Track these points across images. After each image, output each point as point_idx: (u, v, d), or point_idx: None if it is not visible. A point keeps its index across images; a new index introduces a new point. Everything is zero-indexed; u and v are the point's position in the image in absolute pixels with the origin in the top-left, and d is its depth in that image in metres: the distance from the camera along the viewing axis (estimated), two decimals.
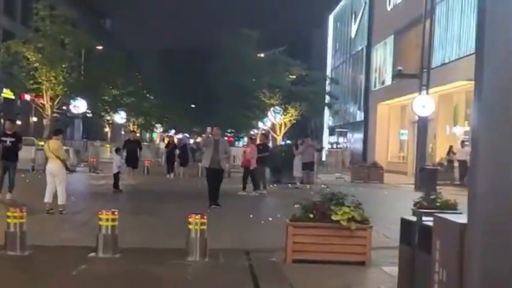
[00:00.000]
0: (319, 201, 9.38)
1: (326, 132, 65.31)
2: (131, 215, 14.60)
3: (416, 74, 28.50)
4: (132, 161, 23.17)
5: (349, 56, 57.40)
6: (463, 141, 30.22)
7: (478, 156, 4.50)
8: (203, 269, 9.05)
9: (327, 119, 64.57)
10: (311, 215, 9.24)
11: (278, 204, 19.62)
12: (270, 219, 14.40)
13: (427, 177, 26.22)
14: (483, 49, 3.95)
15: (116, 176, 20.41)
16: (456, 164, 29.95)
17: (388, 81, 43.98)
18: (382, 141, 44.96)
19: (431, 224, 6.28)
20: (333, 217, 9.12)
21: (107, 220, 9.48)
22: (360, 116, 51.51)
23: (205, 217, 9.42)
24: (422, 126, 28.45)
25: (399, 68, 29.77)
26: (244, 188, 21.69)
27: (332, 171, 33.41)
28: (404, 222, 7.12)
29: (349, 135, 55.44)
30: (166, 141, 36.68)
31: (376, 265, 9.35)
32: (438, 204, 9.26)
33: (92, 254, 9.50)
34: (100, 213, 9.64)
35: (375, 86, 47.91)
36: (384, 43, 45.59)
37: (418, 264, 6.54)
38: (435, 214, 6.06)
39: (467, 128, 33.87)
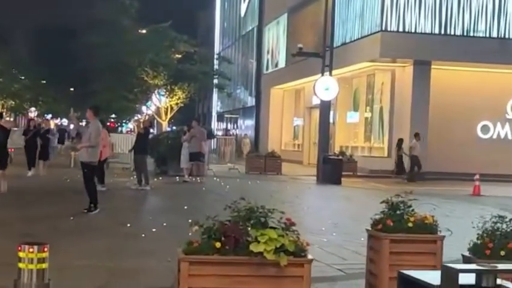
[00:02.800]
0: (230, 221, 5.95)
1: (214, 118, 61.98)
2: None
3: (318, 52, 25.62)
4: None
5: (239, 36, 54.17)
6: (417, 134, 26.02)
7: None
8: None
9: (216, 104, 61.27)
10: (218, 244, 5.79)
11: (164, 204, 16.15)
12: (154, 230, 10.89)
13: (331, 168, 23.55)
14: None
15: None
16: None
17: (282, 63, 41.13)
18: (275, 128, 42.05)
19: None
20: (253, 247, 5.75)
21: None
22: (251, 101, 48.47)
23: (45, 249, 5.74)
24: (325, 112, 25.65)
25: (300, 45, 26.76)
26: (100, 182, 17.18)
27: (225, 161, 30.05)
28: (410, 285, 3.76)
29: (240, 121, 52.32)
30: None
31: None
32: (410, 225, 6.07)
33: None
34: None
35: (267, 69, 44.96)
36: (277, 22, 42.69)
37: None
38: None
39: (369, 114, 31.52)
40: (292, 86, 40.04)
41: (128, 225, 11.34)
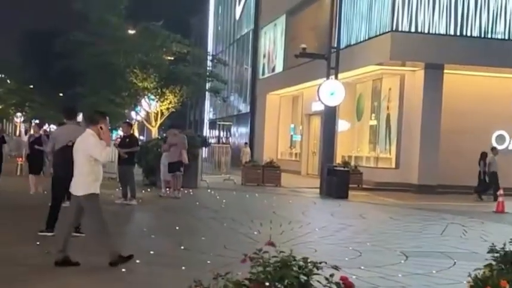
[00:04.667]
0: (251, 281, 3.75)
1: (206, 125, 59.74)
2: None
3: (323, 54, 23.46)
4: None
5: (233, 41, 52.00)
6: (494, 148, 23.44)
7: None
8: None
9: (208, 111, 59.04)
10: None
11: (152, 224, 13.78)
12: (138, 262, 8.59)
13: (337, 180, 21.38)
14: None
15: None
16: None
17: (279, 68, 38.98)
18: (271, 136, 39.83)
19: None
20: None
21: None
22: (246, 107, 46.25)
23: None
24: (329, 119, 23.53)
25: (303, 45, 24.59)
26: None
27: (220, 171, 27.75)
28: None
29: (233, 129, 50.06)
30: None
31: None
32: None
33: None
34: None
35: (263, 74, 42.79)
36: (274, 25, 40.55)
37: None
38: None
39: (374, 122, 29.38)
40: (290, 92, 37.93)
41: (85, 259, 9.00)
